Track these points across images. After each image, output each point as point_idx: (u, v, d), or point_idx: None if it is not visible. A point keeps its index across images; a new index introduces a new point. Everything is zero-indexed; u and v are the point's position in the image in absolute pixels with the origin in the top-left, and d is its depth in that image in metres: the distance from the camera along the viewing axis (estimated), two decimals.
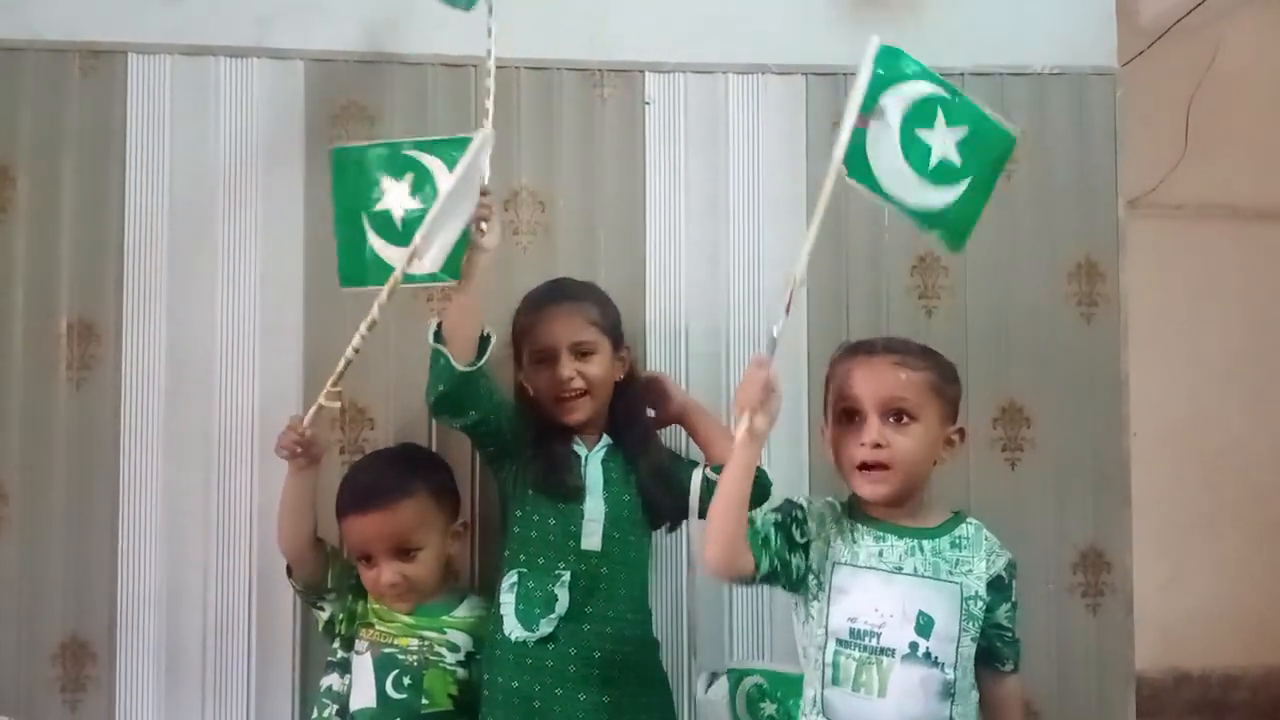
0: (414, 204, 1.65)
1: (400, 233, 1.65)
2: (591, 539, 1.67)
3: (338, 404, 1.66)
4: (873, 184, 1.54)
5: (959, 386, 1.55)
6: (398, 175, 1.67)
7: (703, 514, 1.67)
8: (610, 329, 1.75)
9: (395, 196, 1.66)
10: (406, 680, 1.62)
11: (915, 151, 1.54)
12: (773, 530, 1.48)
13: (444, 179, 1.63)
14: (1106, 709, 2.05)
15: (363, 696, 1.62)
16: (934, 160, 1.55)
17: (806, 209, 1.99)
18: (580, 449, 1.73)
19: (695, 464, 1.78)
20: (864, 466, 1.48)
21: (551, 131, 1.95)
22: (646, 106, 1.98)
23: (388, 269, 1.61)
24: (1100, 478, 2.03)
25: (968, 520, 1.54)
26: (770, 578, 1.48)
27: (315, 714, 1.66)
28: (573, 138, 1.95)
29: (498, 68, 1.87)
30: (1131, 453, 2.07)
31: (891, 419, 1.47)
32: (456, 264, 1.62)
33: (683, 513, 1.73)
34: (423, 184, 1.66)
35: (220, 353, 1.85)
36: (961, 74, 2.03)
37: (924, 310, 2.02)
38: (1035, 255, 2.06)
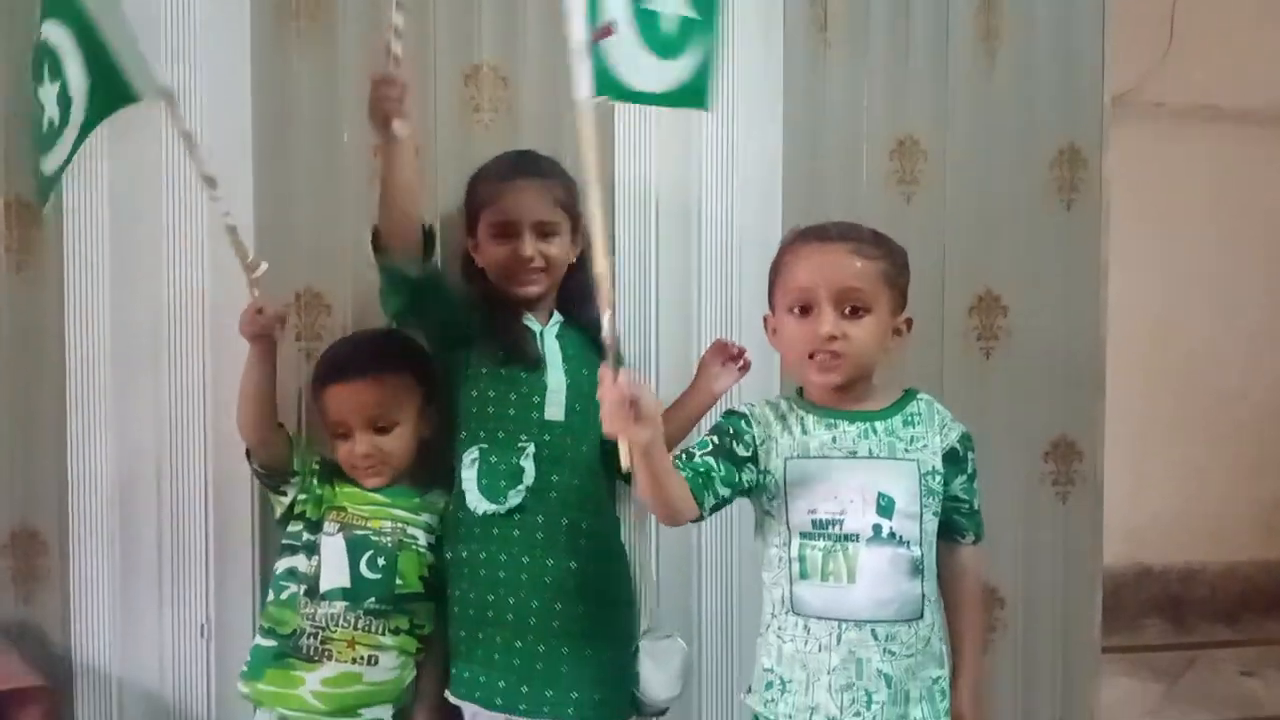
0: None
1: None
2: (554, 409, 1.64)
3: (264, 265, 1.59)
4: (623, 93, 1.42)
5: (909, 274, 1.49)
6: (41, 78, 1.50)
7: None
8: (572, 208, 1.69)
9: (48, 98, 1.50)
10: (381, 561, 1.60)
11: (647, 27, 1.42)
12: (712, 461, 1.42)
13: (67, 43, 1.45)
14: (1073, 597, 2.07)
15: (335, 577, 1.60)
16: (666, 26, 1.44)
17: (784, 69, 1.92)
18: (533, 324, 1.68)
19: None
20: (813, 354, 1.43)
21: (514, 5, 1.84)
22: None
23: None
24: (1074, 367, 2.02)
25: (919, 397, 1.50)
26: (720, 508, 1.44)
27: (272, 596, 1.63)
28: (537, 12, 1.84)
29: None
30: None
31: (847, 310, 1.42)
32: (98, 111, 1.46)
33: None
34: (57, 68, 1.47)
35: (167, 235, 1.75)
36: None
37: (902, 196, 1.97)
38: (1017, 142, 2.01)
